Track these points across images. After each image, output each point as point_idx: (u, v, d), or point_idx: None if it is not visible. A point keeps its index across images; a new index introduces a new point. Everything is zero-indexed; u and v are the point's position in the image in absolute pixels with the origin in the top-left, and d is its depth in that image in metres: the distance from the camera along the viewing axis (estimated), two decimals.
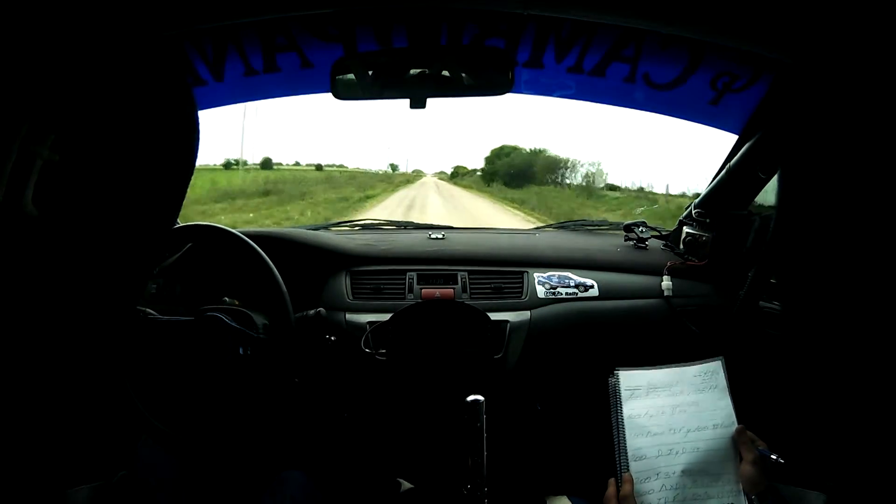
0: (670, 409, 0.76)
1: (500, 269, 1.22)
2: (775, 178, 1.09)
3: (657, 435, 0.75)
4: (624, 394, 0.78)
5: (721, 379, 0.78)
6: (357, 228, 1.48)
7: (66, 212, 0.31)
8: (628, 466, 0.73)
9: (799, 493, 0.68)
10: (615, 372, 0.80)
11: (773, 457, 0.69)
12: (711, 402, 0.76)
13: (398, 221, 1.51)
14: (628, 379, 0.79)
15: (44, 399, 0.36)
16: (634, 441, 0.74)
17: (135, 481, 1.03)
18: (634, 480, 0.72)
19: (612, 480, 0.74)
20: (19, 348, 0.32)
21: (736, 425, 0.74)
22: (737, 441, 0.73)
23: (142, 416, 0.97)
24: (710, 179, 1.25)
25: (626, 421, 0.76)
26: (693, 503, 0.71)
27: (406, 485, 1.07)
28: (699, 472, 0.72)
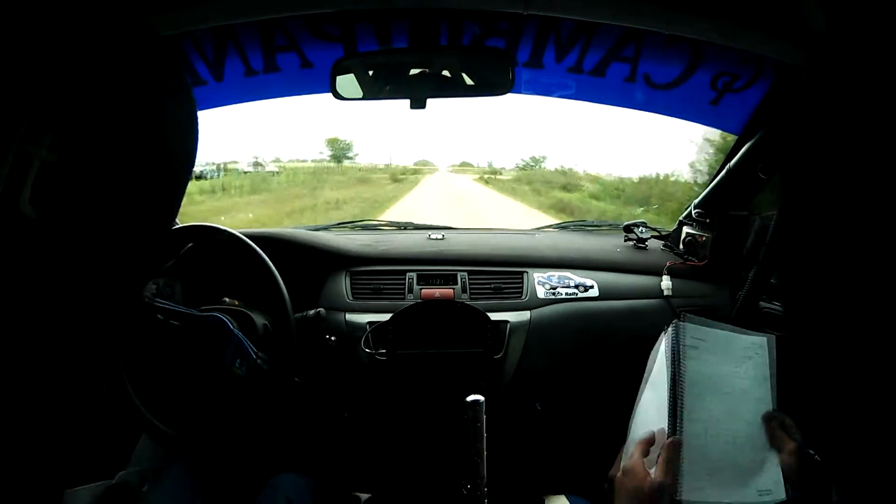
0: (728, 376, 0.69)
1: (500, 270, 1.22)
2: (776, 178, 1.09)
3: (708, 398, 0.67)
4: (689, 347, 0.69)
5: (768, 356, 0.70)
6: (357, 229, 1.48)
7: (64, 212, 0.31)
8: (675, 428, 0.65)
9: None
10: (683, 316, 0.70)
11: (811, 452, 0.65)
12: (761, 381, 0.69)
13: (398, 222, 1.50)
14: (694, 331, 0.69)
15: (43, 400, 0.36)
16: (690, 401, 0.66)
17: (135, 481, 1.03)
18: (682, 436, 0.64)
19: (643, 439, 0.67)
20: (18, 349, 0.32)
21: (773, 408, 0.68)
22: (776, 428, 0.67)
23: (142, 416, 0.98)
24: (710, 179, 1.25)
25: (687, 377, 0.67)
26: (732, 471, 0.65)
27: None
28: (743, 448, 0.66)
